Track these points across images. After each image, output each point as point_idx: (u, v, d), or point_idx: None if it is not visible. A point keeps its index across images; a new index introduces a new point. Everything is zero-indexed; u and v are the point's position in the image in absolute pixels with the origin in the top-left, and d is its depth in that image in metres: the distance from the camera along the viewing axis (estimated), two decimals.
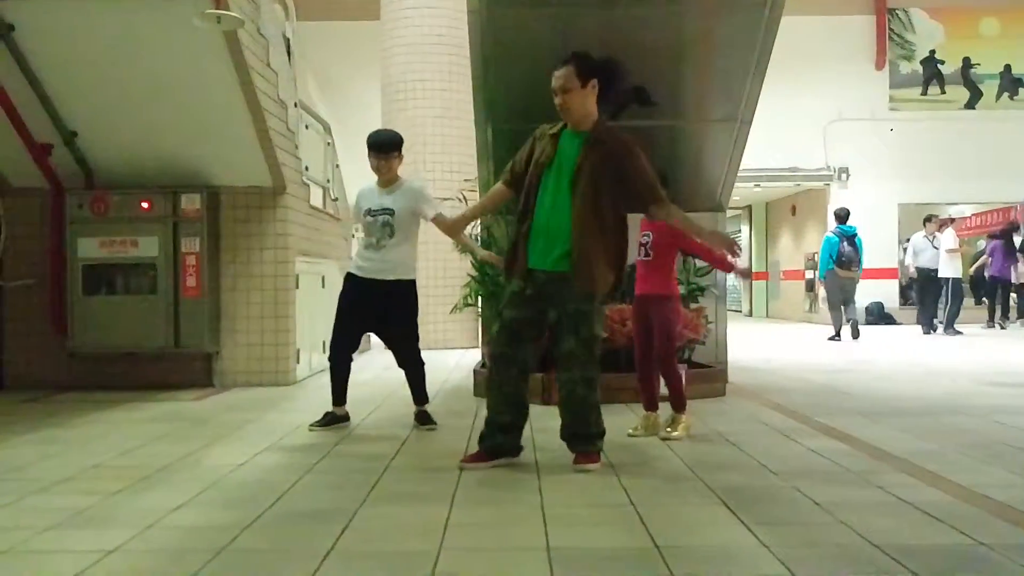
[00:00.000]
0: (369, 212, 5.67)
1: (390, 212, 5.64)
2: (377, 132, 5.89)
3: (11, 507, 3.82)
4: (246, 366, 8.06)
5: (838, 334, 13.98)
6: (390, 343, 5.90)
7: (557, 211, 4.37)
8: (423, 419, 5.77)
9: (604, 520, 3.51)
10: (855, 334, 13.80)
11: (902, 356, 11.19)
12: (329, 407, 5.78)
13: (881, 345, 13.19)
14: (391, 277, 5.64)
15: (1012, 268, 16.56)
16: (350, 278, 5.73)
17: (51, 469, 4.59)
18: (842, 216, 14.31)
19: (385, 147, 5.70)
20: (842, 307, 14.07)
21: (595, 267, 4.34)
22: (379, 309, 5.67)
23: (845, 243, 13.92)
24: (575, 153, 4.40)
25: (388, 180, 5.72)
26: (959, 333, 14.80)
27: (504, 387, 4.46)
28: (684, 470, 4.41)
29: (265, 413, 6.48)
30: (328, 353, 5.80)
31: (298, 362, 8.32)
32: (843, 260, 13.83)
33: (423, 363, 5.82)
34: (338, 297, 5.78)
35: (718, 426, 5.67)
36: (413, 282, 5.76)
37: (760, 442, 5.13)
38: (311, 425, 5.67)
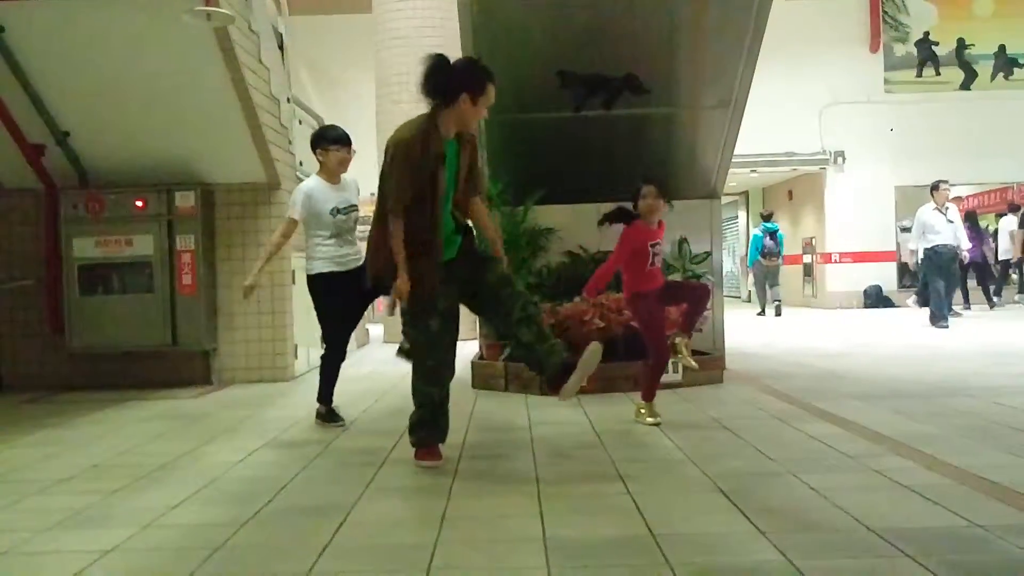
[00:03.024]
0: (338, 211, 5.63)
1: (355, 207, 5.76)
2: (334, 127, 5.86)
3: (10, 508, 3.83)
4: (244, 363, 8.08)
5: (763, 311, 17.04)
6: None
7: (446, 217, 4.39)
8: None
9: (600, 509, 3.51)
10: (778, 312, 16.74)
11: (900, 339, 11.19)
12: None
13: (879, 328, 13.20)
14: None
15: (984, 248, 16.62)
16: (327, 278, 5.61)
17: (50, 469, 4.60)
18: (765, 216, 17.88)
19: (350, 140, 5.74)
20: (767, 289, 17.13)
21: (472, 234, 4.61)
22: (363, 296, 5.66)
23: (767, 238, 17.11)
24: (456, 156, 4.37)
25: (342, 176, 5.75)
26: (958, 315, 14.80)
27: (447, 379, 4.43)
28: (680, 457, 4.41)
29: (263, 409, 6.49)
30: (325, 354, 5.74)
31: (296, 357, 8.32)
32: (765, 252, 17.01)
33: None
34: (320, 300, 5.68)
35: (715, 413, 5.67)
36: None
37: (757, 428, 5.13)
38: (326, 423, 5.66)
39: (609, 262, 5.39)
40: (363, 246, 5.54)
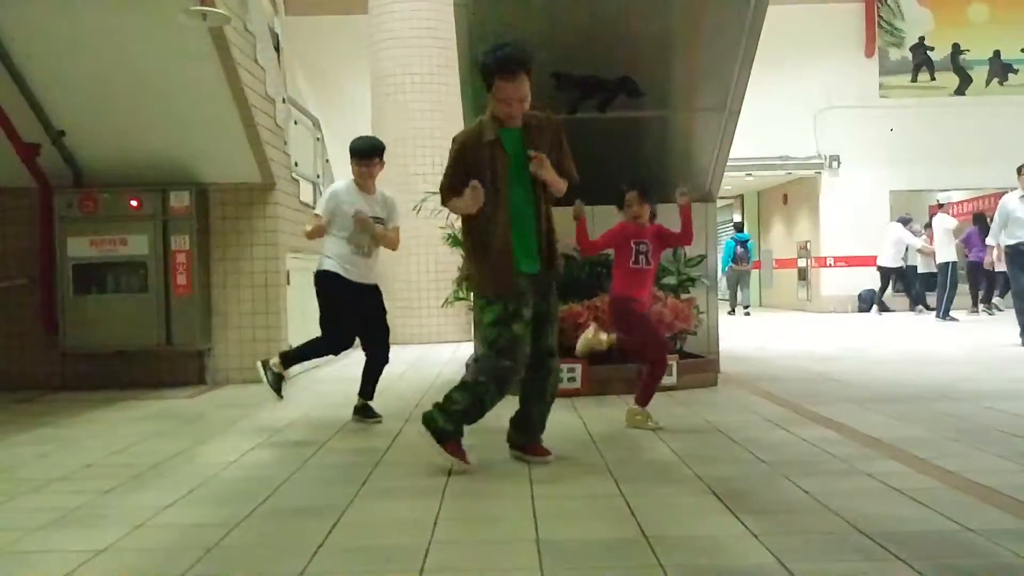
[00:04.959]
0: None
1: (381, 221, 5.78)
2: (362, 139, 5.90)
3: (2, 507, 3.82)
4: (238, 363, 8.06)
5: (733, 311, 18.78)
6: (371, 343, 5.91)
7: (526, 213, 4.27)
8: (370, 412, 5.88)
9: (594, 511, 3.52)
10: (737, 311, 18.81)
11: (894, 343, 11.21)
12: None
13: (873, 332, 13.23)
14: (374, 282, 5.87)
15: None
16: (331, 277, 5.67)
17: (43, 469, 4.59)
18: (738, 226, 20.61)
19: (370, 153, 5.76)
20: (739, 292, 19.18)
21: (559, 254, 4.40)
22: (363, 311, 5.77)
23: (738, 246, 19.02)
24: (521, 147, 4.26)
25: (371, 186, 5.80)
26: (955, 320, 14.83)
27: (494, 404, 4.30)
28: (674, 460, 4.42)
29: (257, 410, 6.47)
30: (329, 345, 5.78)
31: None
32: (737, 258, 18.99)
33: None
34: (326, 295, 5.73)
35: (709, 416, 5.68)
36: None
37: (750, 431, 5.14)
38: (273, 389, 5.72)
39: (596, 239, 5.38)
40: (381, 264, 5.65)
